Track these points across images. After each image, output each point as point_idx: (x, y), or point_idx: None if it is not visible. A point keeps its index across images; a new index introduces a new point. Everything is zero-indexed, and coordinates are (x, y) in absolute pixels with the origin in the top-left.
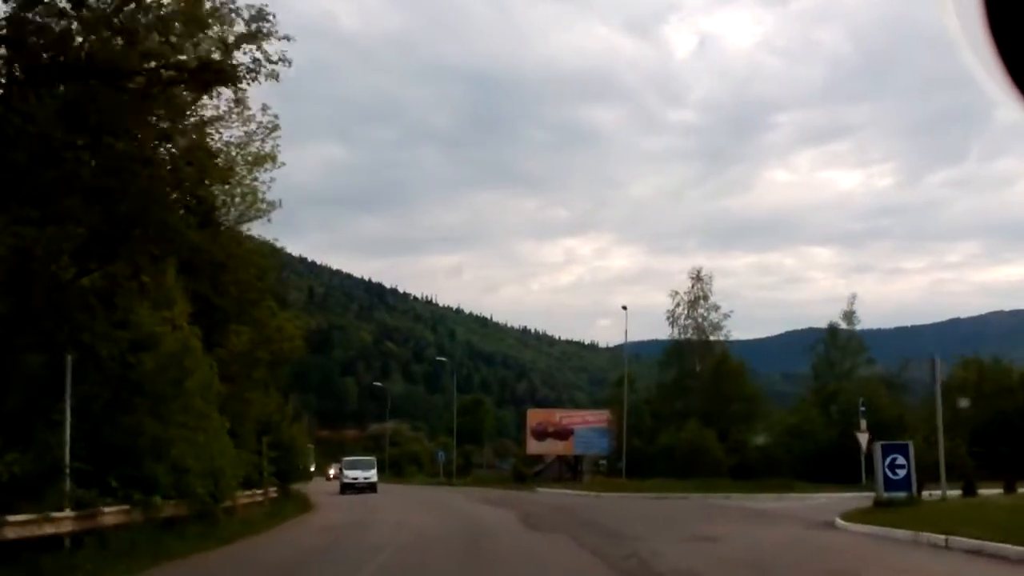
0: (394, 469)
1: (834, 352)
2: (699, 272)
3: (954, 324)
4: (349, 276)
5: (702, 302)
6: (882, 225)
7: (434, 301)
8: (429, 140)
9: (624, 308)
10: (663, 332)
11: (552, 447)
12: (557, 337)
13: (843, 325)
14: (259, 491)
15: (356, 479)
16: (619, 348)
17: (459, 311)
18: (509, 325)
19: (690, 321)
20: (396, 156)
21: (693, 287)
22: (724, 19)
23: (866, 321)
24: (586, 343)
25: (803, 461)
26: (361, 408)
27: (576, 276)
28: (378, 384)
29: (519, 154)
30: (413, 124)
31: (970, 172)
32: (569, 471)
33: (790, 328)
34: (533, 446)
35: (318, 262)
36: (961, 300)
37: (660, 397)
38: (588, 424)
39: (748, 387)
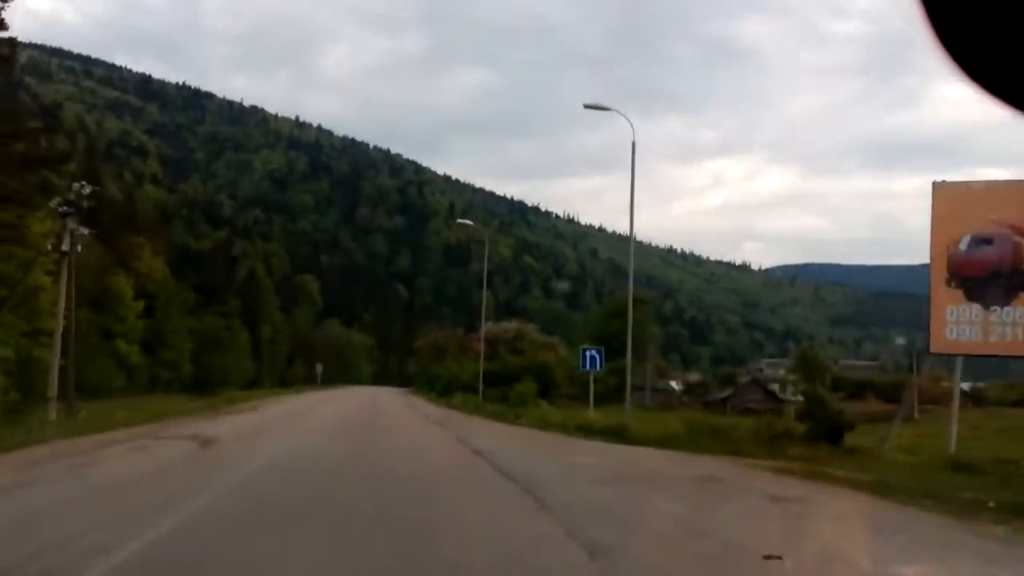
0: (503, 387)
1: None
2: None
3: None
4: (492, 194)
5: None
6: None
7: (576, 219)
8: (575, 61)
9: None
10: (821, 255)
11: None
12: (705, 257)
13: None
14: None
15: None
16: (772, 271)
17: (601, 230)
18: (653, 244)
19: None
20: (542, 77)
21: None
22: None
23: None
24: (736, 263)
25: None
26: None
27: (722, 199)
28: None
29: (665, 73)
30: (559, 44)
31: None
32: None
33: None
34: (945, 321)
35: (462, 180)
36: None
37: None
38: None
39: None
